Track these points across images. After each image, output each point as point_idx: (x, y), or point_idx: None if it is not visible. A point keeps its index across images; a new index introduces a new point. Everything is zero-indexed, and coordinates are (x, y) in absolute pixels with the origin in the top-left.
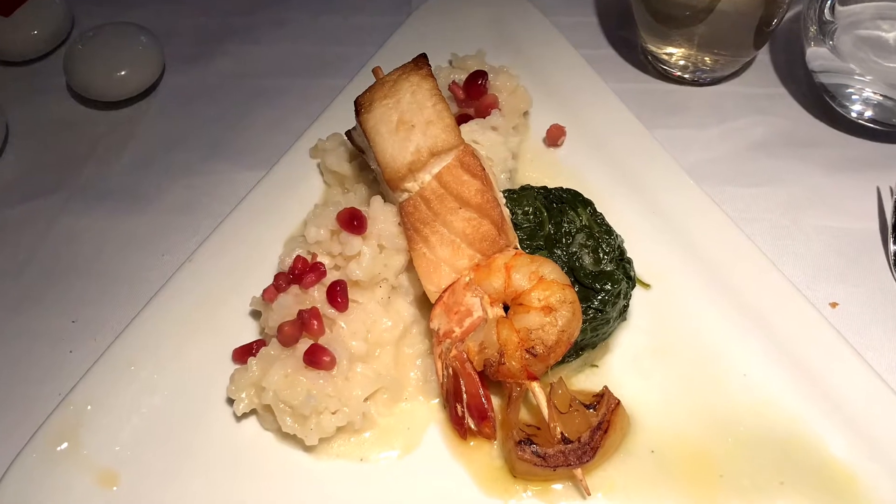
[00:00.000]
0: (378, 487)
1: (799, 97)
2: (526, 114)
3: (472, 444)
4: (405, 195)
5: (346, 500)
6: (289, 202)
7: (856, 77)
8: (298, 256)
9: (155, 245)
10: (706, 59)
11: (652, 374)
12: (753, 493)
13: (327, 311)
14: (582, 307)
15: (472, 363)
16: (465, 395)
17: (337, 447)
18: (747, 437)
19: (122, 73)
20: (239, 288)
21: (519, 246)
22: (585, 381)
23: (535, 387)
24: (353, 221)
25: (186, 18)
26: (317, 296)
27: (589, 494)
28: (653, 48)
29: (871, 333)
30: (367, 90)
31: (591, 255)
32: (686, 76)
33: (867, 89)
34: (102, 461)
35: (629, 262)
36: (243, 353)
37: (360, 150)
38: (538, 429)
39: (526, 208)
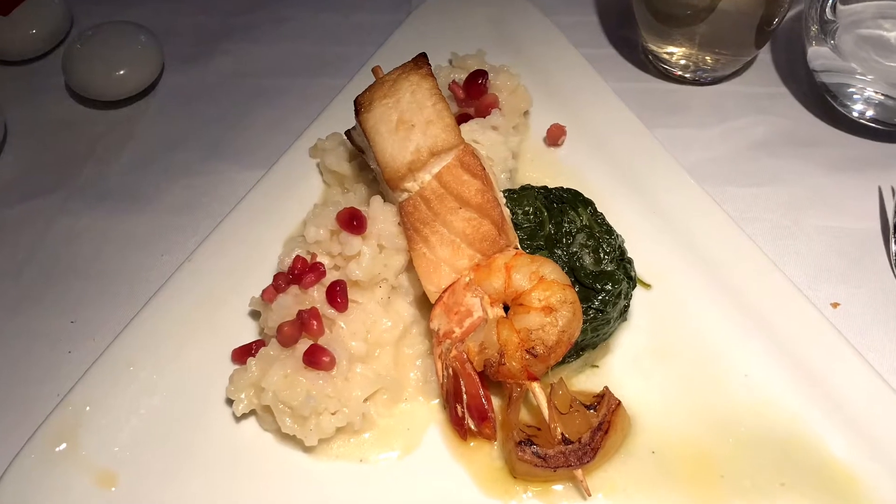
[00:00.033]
0: (378, 488)
1: (800, 97)
2: (526, 113)
3: (472, 444)
4: (405, 195)
5: (346, 500)
6: (288, 202)
7: (857, 76)
8: (298, 256)
9: (154, 245)
10: (707, 58)
11: (653, 375)
12: (754, 493)
13: (327, 311)
14: (582, 307)
15: (472, 363)
16: (465, 396)
17: (336, 448)
18: (748, 438)
19: (121, 72)
20: (238, 288)
21: (519, 246)
22: (586, 381)
23: (536, 387)
24: (352, 221)
25: (186, 17)
26: (316, 296)
27: (589, 495)
28: (653, 47)
29: (872, 334)
30: (366, 89)
31: (591, 255)
32: (687, 75)
33: (868, 89)
34: (101, 462)
35: (630, 262)
36: (243, 354)
37: (359, 149)
38: (538, 429)
39: (526, 208)
